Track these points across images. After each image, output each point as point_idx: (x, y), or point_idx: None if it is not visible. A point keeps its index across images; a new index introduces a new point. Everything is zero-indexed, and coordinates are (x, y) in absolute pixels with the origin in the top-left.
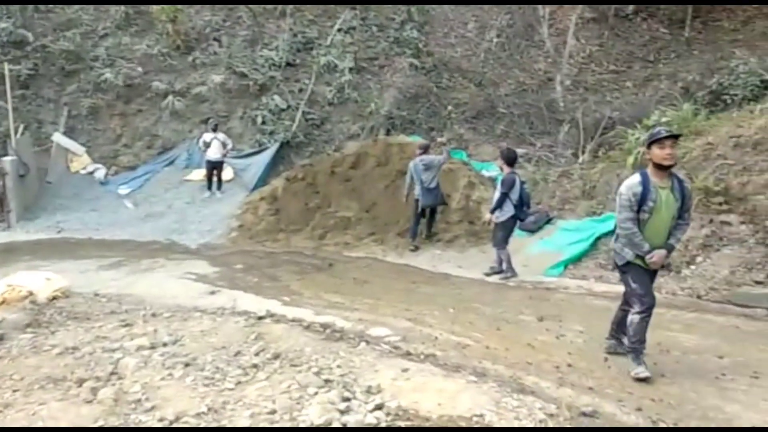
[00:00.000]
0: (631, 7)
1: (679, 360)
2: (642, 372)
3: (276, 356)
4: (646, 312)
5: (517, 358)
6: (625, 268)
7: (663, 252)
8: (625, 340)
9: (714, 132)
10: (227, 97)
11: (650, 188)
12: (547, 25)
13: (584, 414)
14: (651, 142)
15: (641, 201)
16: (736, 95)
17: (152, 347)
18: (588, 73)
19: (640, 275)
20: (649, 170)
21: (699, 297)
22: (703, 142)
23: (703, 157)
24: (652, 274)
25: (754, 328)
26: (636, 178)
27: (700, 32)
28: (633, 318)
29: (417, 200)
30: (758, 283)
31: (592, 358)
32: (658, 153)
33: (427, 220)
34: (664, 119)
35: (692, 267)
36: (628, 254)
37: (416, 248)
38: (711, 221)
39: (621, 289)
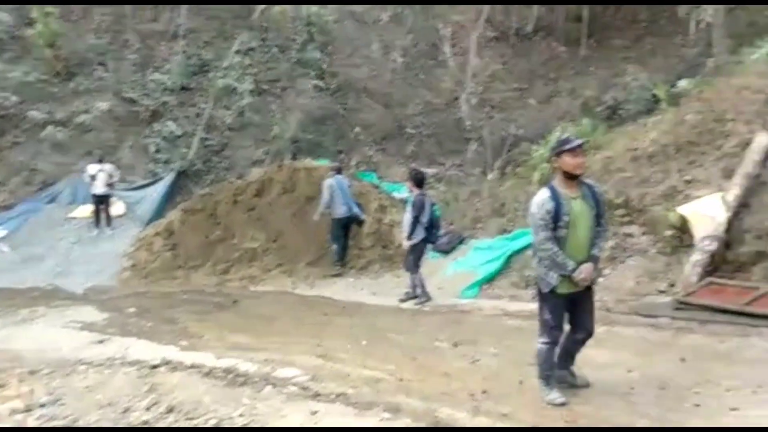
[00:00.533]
0: (530, 27)
1: (591, 377)
2: (557, 398)
3: (170, 410)
4: (553, 344)
5: (432, 389)
6: (545, 296)
7: (589, 265)
8: (538, 369)
9: (612, 146)
10: (115, 125)
11: (562, 201)
12: (449, 45)
13: None
14: (562, 151)
15: (555, 217)
16: (630, 109)
17: (27, 410)
18: (493, 91)
19: (558, 308)
20: (557, 182)
21: (608, 310)
22: (603, 155)
23: (603, 170)
24: (582, 302)
25: (659, 338)
26: (545, 193)
27: (595, 50)
28: (540, 348)
29: (335, 220)
30: (661, 292)
31: (506, 383)
32: (571, 161)
33: (344, 242)
34: (565, 135)
35: (600, 280)
36: (553, 278)
37: (340, 274)
38: (615, 234)
39: (533, 307)
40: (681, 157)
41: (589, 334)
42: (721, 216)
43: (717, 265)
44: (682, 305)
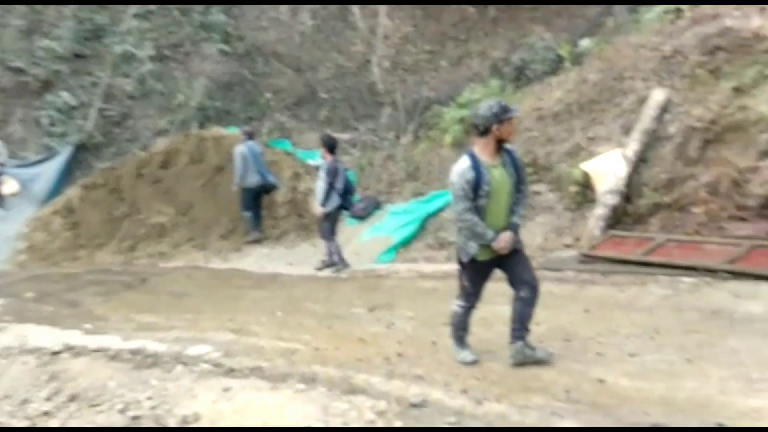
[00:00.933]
0: None
1: (502, 333)
2: (468, 357)
3: (72, 398)
4: (469, 308)
5: (347, 356)
6: (465, 264)
7: (508, 233)
8: (451, 329)
9: (520, 106)
10: (1, 97)
11: (482, 170)
12: (359, 6)
13: (413, 405)
14: (505, 119)
15: (476, 187)
16: (536, 69)
17: None
18: (405, 54)
19: (478, 275)
20: (478, 149)
21: None
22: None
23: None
24: (510, 261)
25: (565, 291)
26: (465, 162)
27: (504, 11)
28: (456, 310)
29: (246, 189)
30: (567, 246)
31: (421, 344)
32: (509, 129)
33: (258, 212)
34: (475, 96)
35: None
36: (473, 248)
37: (260, 240)
38: None
39: (447, 268)
40: (584, 115)
41: (533, 289)
42: (622, 171)
43: (618, 218)
44: (587, 258)
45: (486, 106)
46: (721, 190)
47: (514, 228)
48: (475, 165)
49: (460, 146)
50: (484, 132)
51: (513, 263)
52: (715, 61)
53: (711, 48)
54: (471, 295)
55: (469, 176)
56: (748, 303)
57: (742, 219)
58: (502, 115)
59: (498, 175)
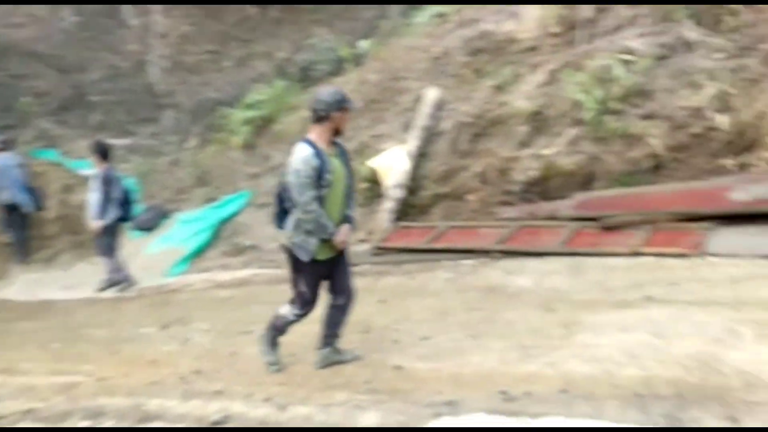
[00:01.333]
0: None
1: (304, 333)
2: (273, 363)
3: None
4: (304, 317)
5: (138, 382)
6: (304, 266)
7: (347, 227)
8: (267, 334)
9: (307, 106)
10: None
11: (325, 158)
12: (130, 3)
13: (214, 423)
14: (344, 108)
15: (320, 175)
16: (320, 70)
17: None
18: (185, 54)
19: (315, 278)
20: (315, 137)
21: None
22: (298, 116)
23: (299, 130)
24: (339, 266)
25: (363, 284)
26: (307, 149)
27: (286, 12)
28: (288, 317)
29: (8, 207)
30: (362, 240)
31: (219, 357)
32: (346, 120)
33: (21, 233)
34: (261, 97)
35: None
36: (313, 245)
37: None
38: None
39: (244, 274)
40: (367, 114)
41: (350, 297)
42: (405, 166)
43: (405, 211)
44: (380, 250)
45: (328, 93)
46: (490, 178)
47: (350, 221)
48: (318, 152)
49: (250, 148)
50: (323, 118)
51: (339, 268)
52: (478, 61)
53: (473, 50)
54: (309, 302)
55: (314, 163)
56: (518, 278)
57: (509, 203)
58: (344, 103)
59: (336, 165)
